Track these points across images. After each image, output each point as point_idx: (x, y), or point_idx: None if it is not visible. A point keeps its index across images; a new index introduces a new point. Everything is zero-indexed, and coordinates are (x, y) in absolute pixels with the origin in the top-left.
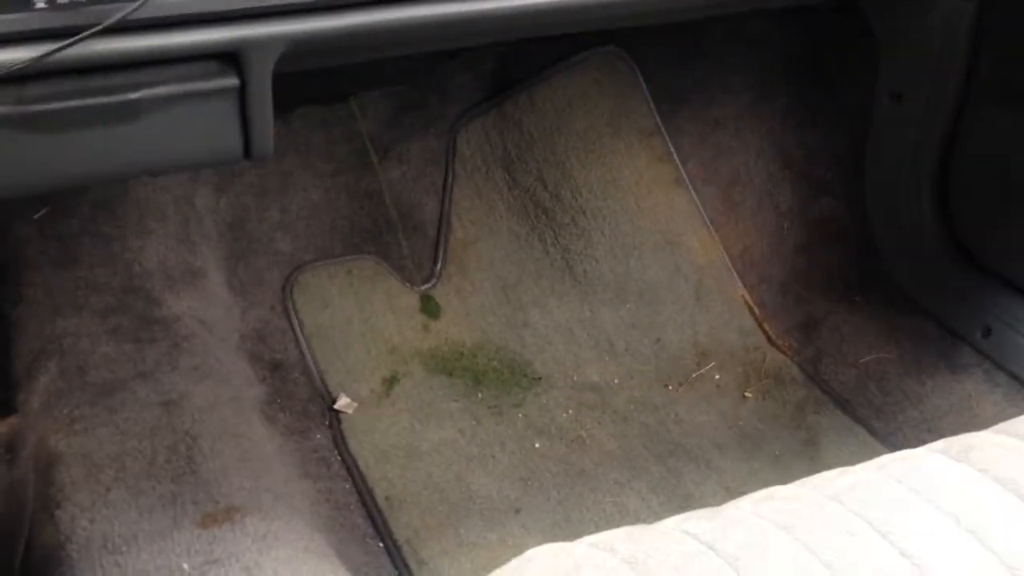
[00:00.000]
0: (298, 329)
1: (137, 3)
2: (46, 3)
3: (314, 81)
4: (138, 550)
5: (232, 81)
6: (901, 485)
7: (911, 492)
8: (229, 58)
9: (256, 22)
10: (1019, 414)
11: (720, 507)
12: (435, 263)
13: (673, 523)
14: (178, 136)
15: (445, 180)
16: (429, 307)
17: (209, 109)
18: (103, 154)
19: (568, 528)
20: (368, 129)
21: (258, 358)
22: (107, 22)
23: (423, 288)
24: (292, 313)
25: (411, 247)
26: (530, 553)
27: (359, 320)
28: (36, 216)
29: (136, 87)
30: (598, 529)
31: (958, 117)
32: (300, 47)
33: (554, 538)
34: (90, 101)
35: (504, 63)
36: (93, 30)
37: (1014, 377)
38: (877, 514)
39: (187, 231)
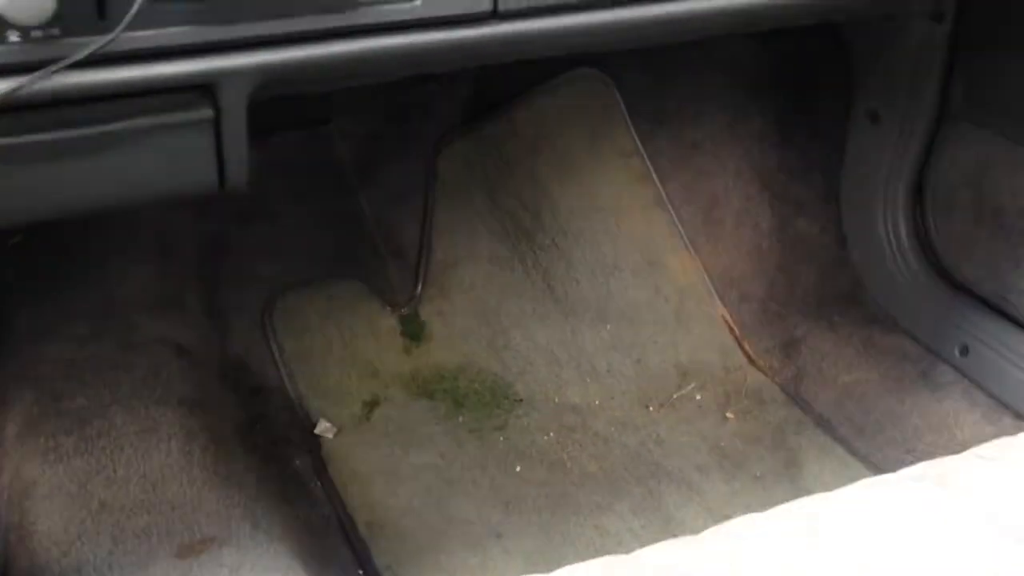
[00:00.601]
0: (278, 354)
1: (109, 37)
2: (20, 36)
3: (294, 106)
4: None
5: (207, 112)
6: (878, 512)
7: (887, 519)
8: (204, 90)
9: (230, 54)
10: (997, 433)
11: (699, 535)
12: (416, 286)
13: (650, 554)
14: (152, 168)
15: (426, 203)
16: (410, 330)
17: (184, 140)
18: (77, 187)
19: (549, 552)
20: (348, 153)
21: (237, 384)
22: (75, 56)
23: (404, 311)
24: (272, 338)
25: (392, 270)
26: None
27: (340, 344)
28: (12, 242)
29: (110, 119)
30: (579, 553)
31: (934, 136)
32: (274, 78)
33: (535, 562)
34: (63, 134)
35: (484, 86)
36: (61, 64)
37: (992, 396)
38: (854, 542)
39: (166, 256)
